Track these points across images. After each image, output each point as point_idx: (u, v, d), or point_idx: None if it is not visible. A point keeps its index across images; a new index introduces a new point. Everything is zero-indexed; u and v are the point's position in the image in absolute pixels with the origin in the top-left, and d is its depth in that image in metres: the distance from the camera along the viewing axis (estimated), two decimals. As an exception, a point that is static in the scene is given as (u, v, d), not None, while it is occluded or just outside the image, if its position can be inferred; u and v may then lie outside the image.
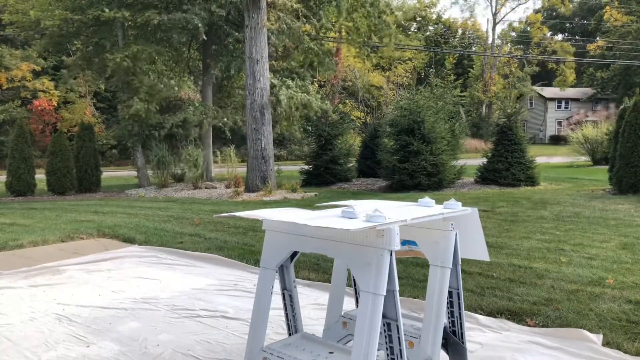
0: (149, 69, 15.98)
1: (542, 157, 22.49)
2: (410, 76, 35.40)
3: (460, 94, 26.91)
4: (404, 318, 2.27)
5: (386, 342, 1.93)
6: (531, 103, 50.16)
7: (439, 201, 2.50)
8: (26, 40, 21.24)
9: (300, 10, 15.04)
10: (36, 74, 26.87)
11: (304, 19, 15.43)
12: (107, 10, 14.20)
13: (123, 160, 29.32)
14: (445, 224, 2.38)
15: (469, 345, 2.53)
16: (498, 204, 9.29)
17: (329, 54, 17.37)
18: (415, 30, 51.48)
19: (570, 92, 49.49)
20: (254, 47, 13.05)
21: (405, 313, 2.63)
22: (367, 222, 1.91)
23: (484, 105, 43.80)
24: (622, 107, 12.05)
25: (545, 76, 50.38)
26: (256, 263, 5.30)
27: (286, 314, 2.43)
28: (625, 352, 3.07)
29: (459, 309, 2.48)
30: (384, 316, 1.87)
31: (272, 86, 13.90)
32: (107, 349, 3.20)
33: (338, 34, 21.51)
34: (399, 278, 1.84)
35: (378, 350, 1.86)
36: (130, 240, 6.78)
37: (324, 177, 15.10)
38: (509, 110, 13.60)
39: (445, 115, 14.46)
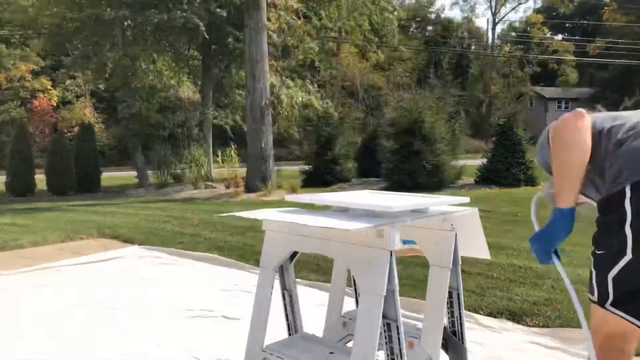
0: (148, 69, 15.97)
1: (542, 157, 22.43)
2: (410, 76, 35.37)
3: (460, 93, 26.90)
4: (404, 318, 2.27)
5: (386, 343, 1.92)
6: (531, 103, 50.04)
7: (439, 201, 2.50)
8: (24, 40, 21.23)
9: (301, 10, 15.04)
10: (35, 74, 26.84)
11: (304, 19, 15.44)
12: (108, 9, 14.20)
13: (123, 160, 29.30)
14: (446, 225, 2.38)
15: (469, 345, 2.53)
16: (498, 204, 9.28)
17: (330, 54, 17.40)
18: (414, 30, 51.49)
19: (571, 92, 49.45)
20: (254, 47, 13.04)
21: (405, 313, 2.63)
22: (367, 222, 1.90)
23: (484, 105, 43.81)
24: (622, 107, 12.04)
25: (546, 77, 50.32)
26: (256, 263, 5.29)
27: (286, 314, 2.42)
28: (626, 352, 3.07)
29: (459, 309, 2.47)
30: (383, 316, 1.87)
31: (272, 86, 13.90)
32: (107, 349, 3.20)
33: (338, 33, 21.49)
34: (399, 278, 1.84)
35: (378, 350, 1.86)
36: (130, 240, 6.77)
37: (324, 177, 15.09)
38: (509, 110, 13.60)
39: (445, 115, 14.47)
